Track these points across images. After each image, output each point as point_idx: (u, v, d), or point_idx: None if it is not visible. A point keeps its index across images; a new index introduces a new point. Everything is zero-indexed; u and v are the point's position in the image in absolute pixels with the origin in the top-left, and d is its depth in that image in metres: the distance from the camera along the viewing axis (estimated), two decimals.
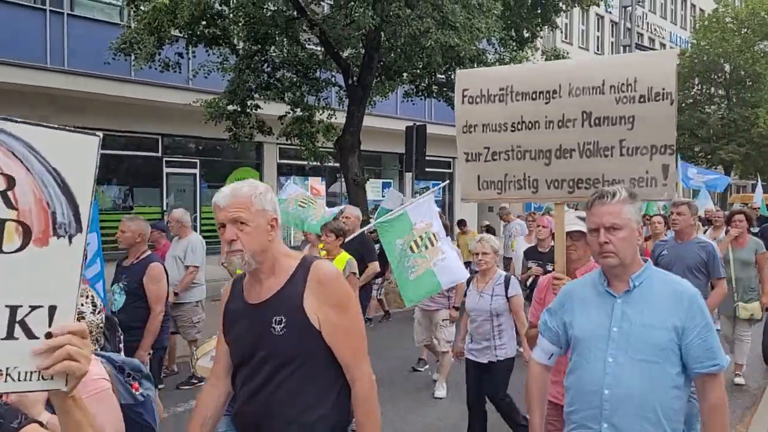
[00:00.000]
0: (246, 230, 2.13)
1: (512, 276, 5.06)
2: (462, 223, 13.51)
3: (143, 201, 15.28)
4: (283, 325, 2.14)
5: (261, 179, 17.55)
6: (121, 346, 4.14)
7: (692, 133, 26.62)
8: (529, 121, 3.34)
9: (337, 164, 13.32)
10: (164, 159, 15.49)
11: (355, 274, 5.58)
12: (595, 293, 2.46)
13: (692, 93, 27.74)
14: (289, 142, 13.60)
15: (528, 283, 6.48)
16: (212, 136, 13.64)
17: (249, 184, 2.21)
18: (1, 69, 11.38)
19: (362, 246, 7.11)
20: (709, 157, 27.17)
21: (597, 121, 3.21)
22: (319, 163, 14.09)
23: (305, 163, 15.09)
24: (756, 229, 10.26)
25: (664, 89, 3.07)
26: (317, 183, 19.43)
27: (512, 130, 3.38)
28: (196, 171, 16.09)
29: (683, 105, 27.15)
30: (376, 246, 9.13)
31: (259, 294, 2.22)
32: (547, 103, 3.30)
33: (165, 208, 15.41)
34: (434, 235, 6.02)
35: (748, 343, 6.93)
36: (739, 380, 6.84)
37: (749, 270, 6.84)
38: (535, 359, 2.68)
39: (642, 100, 3.10)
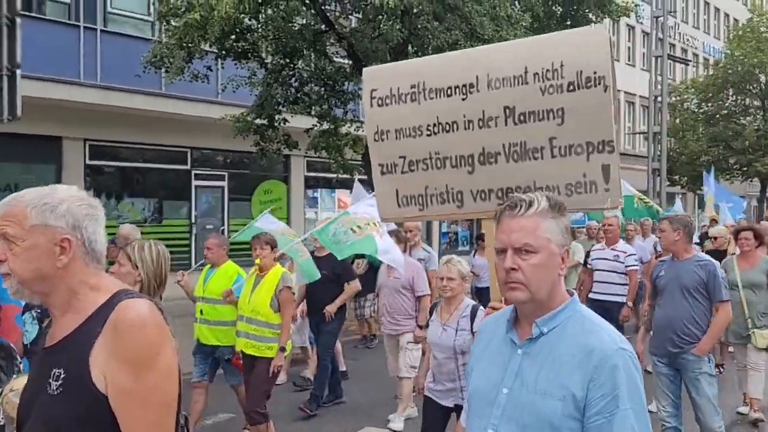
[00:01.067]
0: (15, 250, 1.59)
1: (480, 307, 4.23)
2: (481, 237, 13.29)
3: (172, 214, 15.43)
4: (60, 382, 1.55)
5: (288, 192, 17.64)
6: None
7: (727, 145, 26.04)
8: (446, 123, 2.84)
9: (365, 177, 13.28)
10: (193, 172, 15.64)
11: (289, 288, 5.26)
12: (502, 336, 1.85)
13: (727, 104, 27.18)
14: (317, 155, 13.63)
15: None
16: (240, 149, 13.73)
17: (38, 190, 1.66)
18: (36, 84, 11.61)
19: (338, 263, 6.49)
20: (745, 169, 26.55)
21: (522, 118, 2.69)
22: (348, 176, 14.09)
23: (333, 175, 15.10)
24: None
25: (596, 73, 2.54)
26: (345, 195, 19.42)
27: (428, 134, 2.88)
28: (224, 184, 16.21)
29: (717, 116, 26.63)
30: (363, 261, 8.77)
31: (53, 334, 1.66)
32: (464, 99, 2.79)
33: (194, 221, 15.54)
34: (377, 224, 5.99)
35: (762, 373, 6.18)
36: (757, 415, 6.10)
37: (762, 293, 6.10)
38: (462, 424, 2.11)
39: (571, 88, 2.57)
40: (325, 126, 12.94)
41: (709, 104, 26.95)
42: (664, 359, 4.78)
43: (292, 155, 16.08)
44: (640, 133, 28.16)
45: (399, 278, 6.02)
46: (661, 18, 20.22)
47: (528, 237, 1.74)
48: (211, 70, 11.85)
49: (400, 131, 2.94)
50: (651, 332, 5.05)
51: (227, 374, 5.78)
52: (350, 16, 12.62)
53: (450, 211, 2.95)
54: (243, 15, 9.90)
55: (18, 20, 6.24)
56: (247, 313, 5.18)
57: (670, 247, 4.84)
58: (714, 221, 12.50)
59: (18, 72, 6.21)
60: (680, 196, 16.12)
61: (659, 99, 20.17)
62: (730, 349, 8.00)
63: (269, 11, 11.04)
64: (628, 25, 28.90)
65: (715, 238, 8.62)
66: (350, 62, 12.25)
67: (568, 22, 12.90)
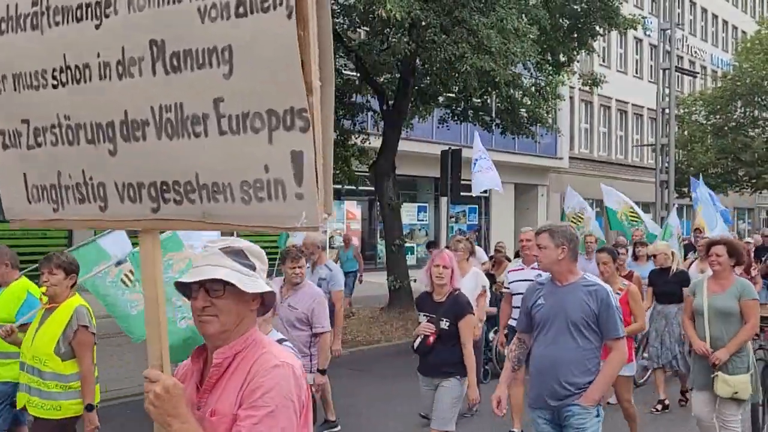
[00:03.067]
0: None
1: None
2: (430, 245, 12.77)
3: None
4: None
5: None
6: None
7: (736, 157, 25.99)
8: (76, 66, 1.75)
9: (372, 188, 13.38)
10: None
11: (86, 327, 4.02)
12: None
13: (735, 116, 27.13)
14: None
15: (414, 346, 4.68)
16: None
17: None
18: None
19: None
20: (754, 181, 26.46)
21: (174, 61, 1.62)
22: (354, 187, 14.17)
23: (339, 186, 15.17)
24: None
25: None
26: (353, 207, 19.52)
27: (54, 85, 1.80)
28: None
29: (726, 128, 26.60)
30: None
31: None
32: (98, 26, 1.71)
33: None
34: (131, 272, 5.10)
35: (738, 430, 4.75)
36: None
37: (731, 324, 4.73)
38: None
39: (241, 10, 1.51)
40: (334, 137, 13.02)
41: (718, 116, 26.93)
42: (545, 414, 3.71)
43: None
44: (648, 146, 28.14)
45: (296, 308, 5.00)
46: (669, 30, 20.28)
47: None
48: None
49: (20, 78, 1.86)
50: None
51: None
52: (358, 30, 12.75)
53: (92, 214, 1.87)
54: None
55: None
56: (29, 360, 3.94)
57: (551, 267, 3.71)
58: (699, 230, 11.51)
59: None
60: (675, 206, 15.91)
61: (667, 111, 20.19)
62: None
63: None
64: (635, 37, 28.97)
65: (654, 256, 7.40)
66: (358, 75, 12.36)
67: (575, 35, 12.98)
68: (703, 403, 4.83)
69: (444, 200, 14.60)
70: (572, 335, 3.58)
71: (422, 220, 21.19)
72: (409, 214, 19.98)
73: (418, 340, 4.60)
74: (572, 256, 3.69)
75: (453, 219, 20.89)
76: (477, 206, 22.96)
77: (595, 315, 3.57)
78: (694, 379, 5.02)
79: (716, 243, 5.04)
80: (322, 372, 5.10)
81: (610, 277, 5.51)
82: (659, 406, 6.92)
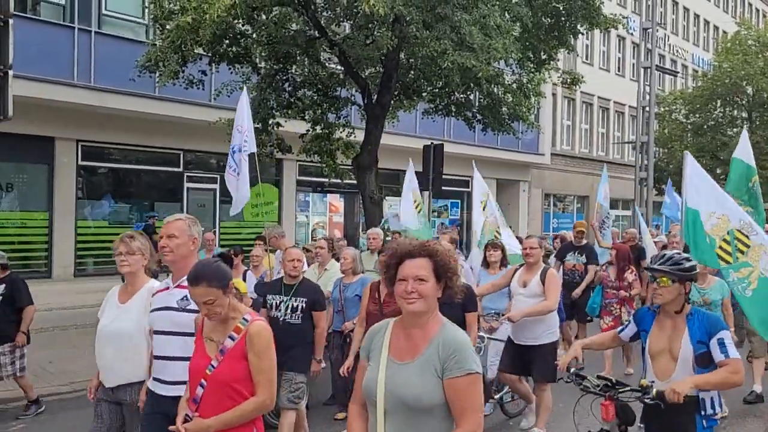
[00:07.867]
0: None
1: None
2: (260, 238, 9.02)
3: (163, 215, 15.52)
4: None
5: (280, 196, 17.77)
6: None
7: (714, 156, 26.37)
8: None
9: (355, 181, 13.44)
10: (185, 174, 15.74)
11: None
12: None
13: (714, 115, 27.51)
14: (309, 159, 13.76)
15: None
16: None
17: None
18: (30, 84, 11.71)
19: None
20: None
21: None
22: (339, 180, 14.25)
23: (325, 180, 15.22)
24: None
25: None
26: (336, 200, 19.57)
27: None
28: (217, 186, 16.32)
29: (705, 127, 26.96)
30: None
31: None
32: None
33: None
34: None
35: None
36: None
37: (425, 425, 2.25)
38: None
39: None
40: (319, 131, 13.08)
41: (697, 115, 27.28)
42: None
43: (284, 159, 16.21)
44: (628, 143, 28.46)
45: None
46: (650, 29, 20.52)
47: None
48: (206, 75, 11.98)
49: None
50: None
51: None
52: (342, 23, 12.79)
53: None
54: (235, 20, 10.05)
55: (11, 21, 6.32)
56: None
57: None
58: (581, 232, 9.32)
59: (10, 72, 6.28)
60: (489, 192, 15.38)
61: (647, 109, 20.45)
62: None
63: (262, 16, 11.20)
64: (618, 36, 29.22)
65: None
66: (342, 68, 12.41)
67: (556, 33, 13.10)
68: None
69: (426, 194, 14.70)
70: None
71: None
72: (392, 207, 20.07)
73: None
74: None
75: (435, 213, 21.02)
76: (459, 201, 23.11)
77: None
78: None
79: (412, 253, 2.33)
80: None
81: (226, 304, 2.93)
82: None
